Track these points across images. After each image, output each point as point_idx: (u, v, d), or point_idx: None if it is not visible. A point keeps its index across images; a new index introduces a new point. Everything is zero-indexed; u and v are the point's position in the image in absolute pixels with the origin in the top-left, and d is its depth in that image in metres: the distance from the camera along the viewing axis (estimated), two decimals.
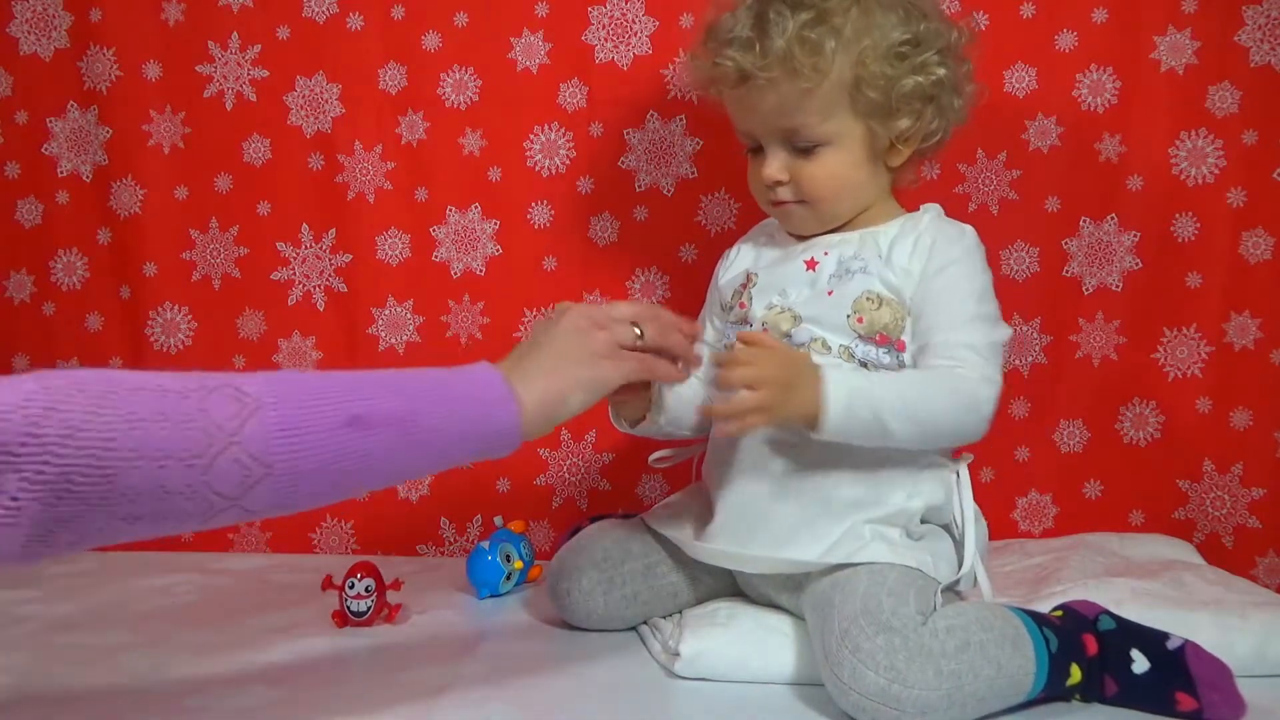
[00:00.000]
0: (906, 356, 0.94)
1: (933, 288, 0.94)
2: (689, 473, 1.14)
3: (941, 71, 0.94)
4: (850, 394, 0.87)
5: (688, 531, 1.01)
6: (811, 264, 0.98)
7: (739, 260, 1.06)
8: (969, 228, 0.98)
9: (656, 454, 1.09)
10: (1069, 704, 0.84)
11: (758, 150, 0.99)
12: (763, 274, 1.01)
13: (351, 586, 1.03)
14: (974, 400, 0.90)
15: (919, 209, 1.01)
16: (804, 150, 0.96)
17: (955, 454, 0.98)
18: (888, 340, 0.94)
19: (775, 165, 0.97)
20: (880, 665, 0.77)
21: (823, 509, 0.93)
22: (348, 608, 1.03)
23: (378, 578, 1.04)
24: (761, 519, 0.95)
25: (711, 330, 1.06)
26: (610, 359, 0.85)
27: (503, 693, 0.87)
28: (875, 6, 0.93)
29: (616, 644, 1.00)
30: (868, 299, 0.94)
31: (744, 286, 1.02)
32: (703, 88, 1.02)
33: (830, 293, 0.95)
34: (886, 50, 0.92)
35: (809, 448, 0.93)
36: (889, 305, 0.94)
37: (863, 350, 0.94)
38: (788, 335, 0.96)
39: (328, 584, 1.04)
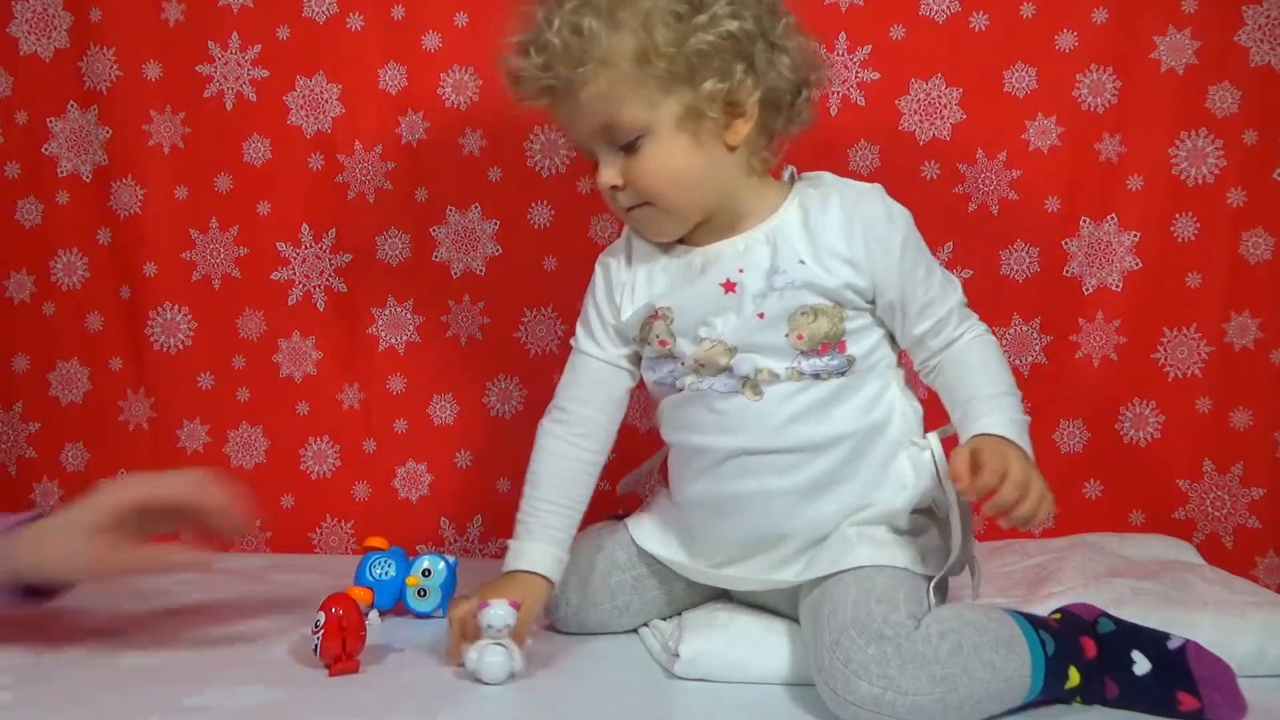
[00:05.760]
0: (859, 351, 0.92)
1: (903, 273, 0.92)
2: None
3: (734, 25, 0.88)
4: (1021, 429, 0.90)
5: (675, 548, 1.00)
6: (730, 286, 0.92)
7: (634, 289, 0.97)
8: (877, 187, 0.95)
9: (622, 480, 1.12)
10: (1070, 706, 0.84)
11: (598, 163, 0.94)
12: (675, 307, 0.94)
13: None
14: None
15: (800, 178, 0.97)
16: (629, 148, 0.91)
17: (925, 431, 0.95)
18: (829, 348, 0.91)
19: (608, 172, 0.92)
20: (873, 675, 0.77)
21: (803, 525, 0.92)
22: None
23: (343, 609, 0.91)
24: (742, 541, 0.94)
25: (597, 347, 0.99)
26: (102, 562, 0.92)
27: (503, 693, 0.87)
28: None
29: (616, 644, 1.00)
30: (802, 314, 0.91)
31: (654, 319, 0.95)
32: (528, 108, 0.96)
33: (761, 315, 0.91)
34: (664, 14, 0.87)
35: (777, 461, 0.92)
36: (824, 314, 0.91)
37: (809, 364, 0.91)
38: (727, 369, 0.92)
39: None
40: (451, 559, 1.09)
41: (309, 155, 1.35)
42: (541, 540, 0.95)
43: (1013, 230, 1.28)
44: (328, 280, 1.36)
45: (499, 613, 0.87)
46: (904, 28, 1.26)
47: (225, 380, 1.38)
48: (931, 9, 1.27)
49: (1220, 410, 1.26)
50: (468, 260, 1.35)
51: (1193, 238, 1.25)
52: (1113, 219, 1.27)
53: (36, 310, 1.40)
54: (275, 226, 1.36)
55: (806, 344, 0.91)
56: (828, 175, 0.97)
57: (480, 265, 1.35)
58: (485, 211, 1.34)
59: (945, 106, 1.27)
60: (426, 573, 1.08)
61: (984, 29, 1.26)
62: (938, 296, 0.94)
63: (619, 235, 1.31)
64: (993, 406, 0.90)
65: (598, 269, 1.02)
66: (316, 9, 1.33)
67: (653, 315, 0.95)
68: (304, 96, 1.34)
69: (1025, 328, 1.28)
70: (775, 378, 0.91)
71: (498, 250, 1.35)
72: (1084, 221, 1.27)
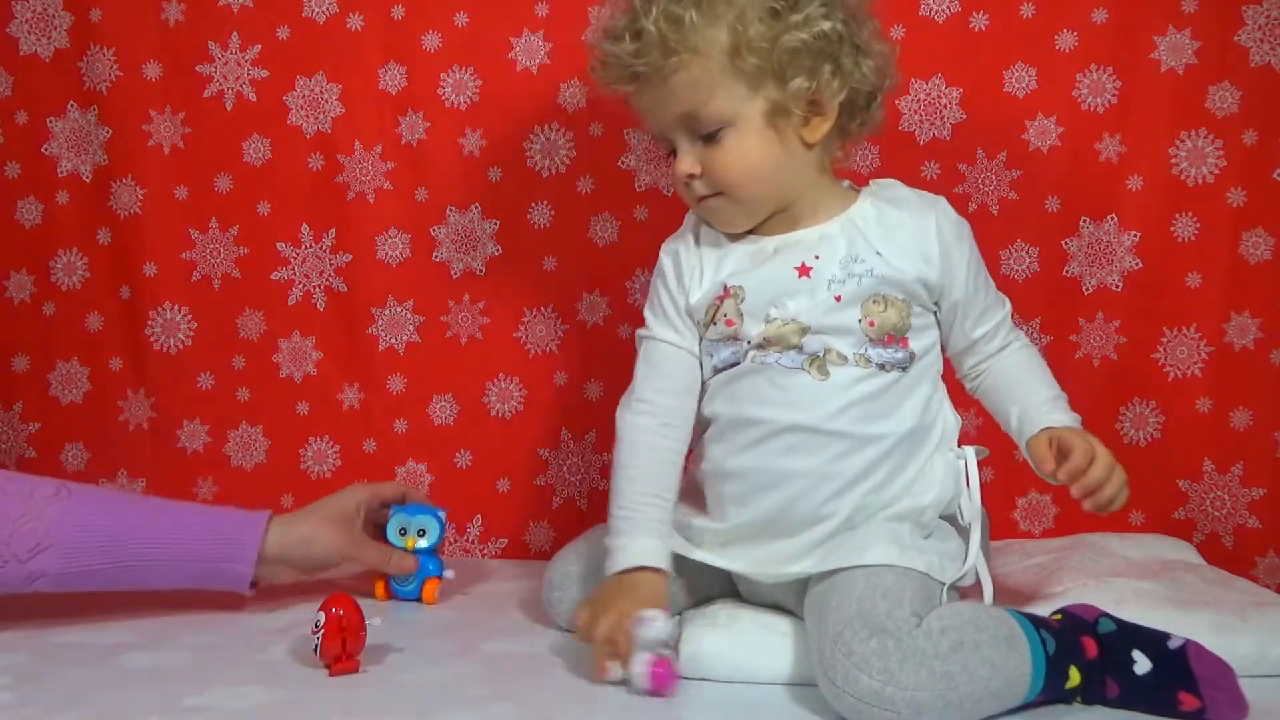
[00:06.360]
0: (918, 348, 0.95)
1: (969, 276, 0.97)
2: None
3: (827, 25, 0.90)
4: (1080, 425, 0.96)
5: (679, 541, 0.99)
6: (804, 270, 0.94)
7: (703, 271, 0.99)
8: (942, 199, 0.99)
9: None
10: (1070, 706, 0.84)
11: (673, 152, 0.96)
12: (747, 286, 0.96)
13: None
14: None
15: (871, 183, 1.00)
16: (709, 138, 0.93)
17: (960, 442, 0.98)
18: (894, 340, 0.94)
19: (686, 159, 0.94)
20: (874, 668, 0.77)
21: (839, 511, 0.92)
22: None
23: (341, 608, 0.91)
24: (773, 519, 0.94)
25: (674, 333, 1.00)
26: (358, 549, 1.10)
27: (503, 693, 0.87)
28: None
29: None
30: (874, 301, 0.93)
31: (722, 299, 0.97)
32: (610, 93, 0.98)
33: (839, 298, 0.93)
34: (761, 10, 0.89)
35: (831, 443, 0.92)
36: (894, 305, 0.94)
37: (876, 353, 0.93)
38: (798, 348, 0.93)
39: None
40: (432, 506, 1.17)
41: (309, 155, 1.35)
42: (650, 535, 0.95)
43: (1013, 230, 1.28)
44: (328, 280, 1.36)
45: (663, 626, 0.85)
46: (904, 28, 1.26)
47: (225, 380, 1.38)
48: (931, 9, 1.27)
49: (1220, 410, 1.26)
50: (468, 260, 1.35)
51: (1193, 238, 1.25)
52: (1113, 219, 1.27)
53: (36, 310, 1.40)
54: (275, 226, 1.36)
55: (876, 331, 0.93)
56: (898, 182, 1.00)
57: (480, 265, 1.35)
58: (485, 211, 1.34)
59: (945, 106, 1.27)
60: (422, 531, 1.15)
61: (984, 29, 1.26)
62: (994, 305, 1.00)
63: (617, 237, 1.33)
64: (1055, 406, 0.97)
65: (664, 256, 1.03)
66: (316, 9, 1.33)
67: (721, 295, 0.97)
68: (304, 96, 1.34)
69: (1025, 328, 1.28)
70: (843, 360, 0.93)
71: (498, 250, 1.35)
72: (1084, 221, 1.27)
